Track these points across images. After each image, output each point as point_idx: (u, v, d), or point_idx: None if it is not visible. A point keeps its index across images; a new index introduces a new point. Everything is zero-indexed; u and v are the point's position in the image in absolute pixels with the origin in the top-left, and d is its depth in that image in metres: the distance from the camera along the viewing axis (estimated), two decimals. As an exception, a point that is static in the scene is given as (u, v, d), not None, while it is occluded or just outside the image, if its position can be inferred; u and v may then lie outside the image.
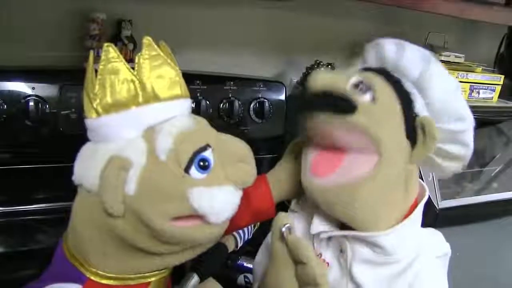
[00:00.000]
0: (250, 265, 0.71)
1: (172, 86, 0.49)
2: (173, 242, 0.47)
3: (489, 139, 1.30)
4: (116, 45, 0.93)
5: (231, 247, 0.74)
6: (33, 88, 0.82)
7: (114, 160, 0.44)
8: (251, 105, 1.06)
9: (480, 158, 1.27)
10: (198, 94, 0.99)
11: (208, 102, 0.99)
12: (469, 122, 0.53)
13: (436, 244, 0.55)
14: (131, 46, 0.95)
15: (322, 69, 0.52)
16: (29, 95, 0.81)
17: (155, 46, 0.49)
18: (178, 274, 0.68)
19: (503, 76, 1.25)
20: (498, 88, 1.24)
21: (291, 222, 0.52)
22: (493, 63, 1.45)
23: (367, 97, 0.50)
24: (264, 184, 0.63)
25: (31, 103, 0.81)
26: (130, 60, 0.96)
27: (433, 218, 0.96)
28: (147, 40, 0.48)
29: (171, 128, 0.46)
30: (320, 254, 0.57)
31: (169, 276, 0.56)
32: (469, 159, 0.55)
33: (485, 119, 1.20)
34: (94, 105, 0.46)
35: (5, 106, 0.79)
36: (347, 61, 1.32)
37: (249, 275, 0.71)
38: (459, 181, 1.18)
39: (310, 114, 0.50)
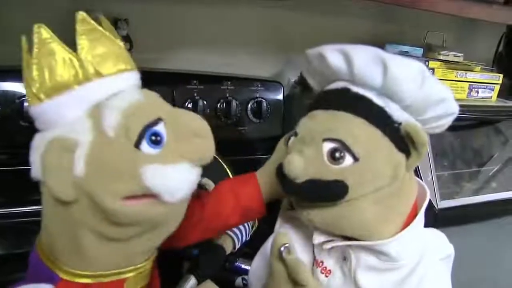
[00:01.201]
0: (248, 267, 0.71)
1: (115, 60, 0.45)
2: (129, 223, 0.44)
3: (488, 139, 1.30)
4: (112, 44, 0.93)
5: (228, 249, 0.73)
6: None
7: (54, 142, 0.41)
8: (249, 105, 1.06)
9: (478, 157, 1.26)
10: (195, 94, 0.98)
11: (205, 102, 0.99)
12: (449, 97, 0.50)
13: (439, 246, 0.55)
14: (127, 46, 0.94)
15: (293, 153, 0.49)
16: (24, 96, 0.80)
17: (90, 20, 0.45)
18: (175, 276, 0.67)
19: (502, 75, 1.24)
20: (497, 87, 1.24)
21: (290, 241, 0.51)
22: (492, 62, 1.45)
23: (348, 160, 0.47)
24: (253, 182, 0.62)
25: (26, 104, 0.80)
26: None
27: (433, 218, 0.96)
28: (80, 15, 0.45)
29: (118, 102, 0.44)
30: (322, 262, 0.56)
31: (151, 276, 0.54)
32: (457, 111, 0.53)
33: (484, 119, 1.20)
34: (34, 91, 0.43)
35: (0, 106, 0.78)
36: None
37: (247, 277, 0.70)
38: (458, 181, 1.17)
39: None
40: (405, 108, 0.49)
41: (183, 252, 0.71)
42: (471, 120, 1.16)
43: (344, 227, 0.51)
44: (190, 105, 0.97)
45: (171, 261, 0.63)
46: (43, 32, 0.43)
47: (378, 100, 0.49)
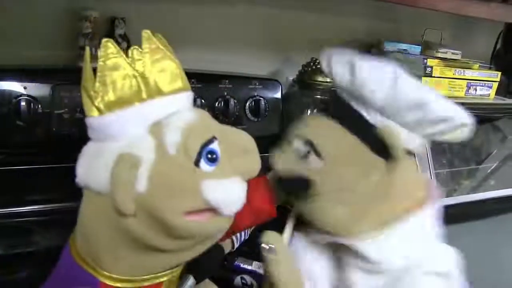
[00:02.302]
0: (246, 266, 0.71)
1: (174, 79, 0.48)
2: (187, 237, 0.47)
3: (486, 136, 1.30)
4: (109, 43, 0.93)
5: (227, 248, 0.73)
6: (25, 88, 0.80)
7: (124, 157, 0.43)
8: (247, 104, 1.05)
9: (476, 155, 1.26)
10: (193, 93, 0.98)
11: (203, 101, 0.98)
12: (431, 101, 0.50)
13: (439, 259, 0.54)
14: (124, 45, 0.93)
15: (277, 151, 0.58)
16: (21, 95, 0.79)
17: (154, 39, 0.48)
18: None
19: (500, 73, 1.24)
20: (495, 85, 1.24)
21: (276, 242, 0.55)
22: (490, 60, 1.45)
23: (314, 160, 0.52)
24: (264, 185, 0.64)
25: (23, 103, 0.79)
26: (124, 59, 0.95)
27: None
28: (146, 33, 0.47)
29: (178, 122, 0.46)
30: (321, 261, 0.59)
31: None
32: (466, 119, 0.52)
33: (482, 116, 1.20)
34: (96, 103, 0.45)
35: (-3, 106, 0.78)
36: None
37: (245, 276, 0.70)
38: (456, 178, 1.17)
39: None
40: (381, 111, 0.49)
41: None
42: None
43: (318, 223, 0.54)
44: (188, 104, 0.97)
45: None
46: (109, 46, 0.45)
47: (355, 104, 0.51)
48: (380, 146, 0.50)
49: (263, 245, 0.54)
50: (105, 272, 0.47)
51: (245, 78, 1.06)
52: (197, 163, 0.45)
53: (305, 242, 0.61)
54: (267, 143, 1.13)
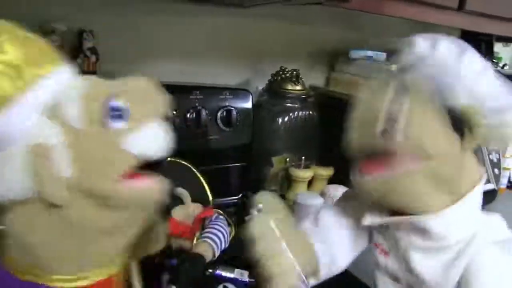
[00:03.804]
0: (228, 274, 0.70)
1: (47, 57, 0.45)
2: (129, 204, 0.45)
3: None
4: (78, 57, 0.92)
5: (208, 257, 0.73)
6: None
7: (36, 151, 0.41)
8: (218, 114, 1.05)
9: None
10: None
11: (175, 112, 0.98)
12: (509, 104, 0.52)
13: (494, 229, 0.55)
14: (94, 58, 0.93)
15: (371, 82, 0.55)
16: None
17: (8, 26, 0.43)
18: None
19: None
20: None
21: (265, 202, 0.58)
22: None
23: (406, 103, 0.51)
24: None
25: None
26: (93, 72, 0.94)
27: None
28: None
29: (70, 95, 0.44)
30: (380, 244, 0.61)
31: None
32: None
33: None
34: None
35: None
36: (312, 67, 1.35)
37: (228, 285, 0.70)
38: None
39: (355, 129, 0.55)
40: (470, 94, 0.51)
41: (161, 263, 0.70)
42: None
43: (395, 198, 0.53)
44: (160, 116, 0.96)
45: (149, 273, 0.62)
46: None
47: (444, 80, 0.52)
48: (459, 123, 0.51)
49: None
50: (51, 276, 0.46)
51: (216, 89, 1.07)
52: (107, 125, 0.43)
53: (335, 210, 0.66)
54: (239, 153, 1.15)
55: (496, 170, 1.32)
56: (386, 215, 0.57)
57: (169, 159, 0.82)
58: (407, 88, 0.51)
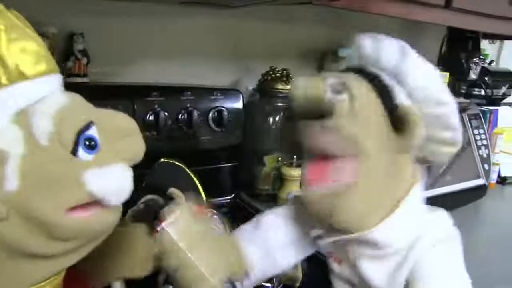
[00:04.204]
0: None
1: (38, 61, 0.41)
2: (71, 237, 0.41)
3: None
4: (69, 59, 0.92)
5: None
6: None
7: None
8: (210, 114, 1.06)
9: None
10: (156, 106, 0.98)
11: (166, 113, 0.99)
12: (451, 105, 0.54)
13: (436, 228, 0.55)
14: (84, 60, 0.93)
15: (302, 77, 0.53)
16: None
17: (10, 15, 0.41)
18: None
19: (448, 74, 1.31)
20: (445, 85, 1.30)
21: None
22: (436, 62, 1.53)
23: (345, 96, 0.51)
24: None
25: None
26: (84, 75, 0.93)
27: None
28: None
29: (47, 108, 0.40)
30: (332, 252, 0.62)
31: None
32: (461, 142, 0.57)
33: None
34: None
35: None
36: (302, 65, 1.36)
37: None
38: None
39: (293, 124, 0.53)
40: (409, 94, 0.53)
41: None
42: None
43: (338, 217, 0.52)
44: (151, 117, 0.97)
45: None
46: None
47: (386, 80, 0.53)
48: (396, 124, 0.52)
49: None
50: None
51: (207, 89, 1.08)
52: (74, 153, 0.40)
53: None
54: (231, 153, 1.15)
55: (486, 166, 1.34)
56: (332, 232, 0.57)
57: (162, 159, 0.83)
58: (348, 86, 0.51)
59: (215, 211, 0.88)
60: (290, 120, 0.54)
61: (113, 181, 0.41)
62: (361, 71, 0.54)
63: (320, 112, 0.50)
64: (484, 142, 1.36)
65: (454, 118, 0.55)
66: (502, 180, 1.47)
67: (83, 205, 0.40)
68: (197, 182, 0.92)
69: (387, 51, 0.54)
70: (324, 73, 0.55)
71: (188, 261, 0.55)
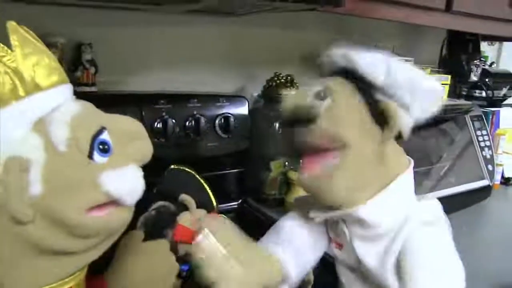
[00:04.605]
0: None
1: (51, 72, 0.44)
2: (91, 235, 0.44)
3: (436, 139, 1.36)
4: (77, 69, 0.93)
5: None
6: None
7: (13, 162, 0.40)
8: (216, 121, 1.07)
9: (431, 156, 1.31)
10: (164, 113, 0.99)
11: (174, 121, 1.00)
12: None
13: (423, 210, 0.59)
14: (92, 70, 0.94)
15: (293, 90, 0.61)
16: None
17: (22, 31, 0.43)
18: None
19: (449, 76, 1.33)
20: (447, 88, 1.31)
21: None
22: (437, 65, 1.54)
23: (328, 101, 0.56)
24: None
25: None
26: (92, 84, 0.95)
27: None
28: (12, 25, 0.43)
29: (63, 116, 0.43)
30: (333, 238, 0.66)
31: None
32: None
33: (437, 118, 1.26)
34: None
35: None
36: (305, 71, 1.37)
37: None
38: (418, 179, 1.22)
39: (288, 130, 0.59)
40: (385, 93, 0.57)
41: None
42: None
43: (323, 195, 0.58)
44: (159, 125, 0.98)
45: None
46: None
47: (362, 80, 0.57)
48: (377, 118, 0.57)
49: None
50: None
51: (213, 96, 1.09)
52: (90, 156, 0.43)
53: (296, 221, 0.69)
54: (237, 159, 1.16)
55: (489, 166, 1.35)
56: (327, 211, 0.61)
57: (172, 166, 0.83)
58: (330, 89, 0.57)
59: (225, 217, 0.89)
60: (285, 127, 0.61)
61: (127, 182, 0.45)
62: (345, 73, 0.59)
63: (308, 117, 0.56)
64: (487, 143, 1.37)
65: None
66: (505, 181, 1.48)
67: (100, 205, 0.43)
68: (207, 188, 0.93)
69: (367, 66, 0.57)
70: (312, 80, 0.61)
71: (228, 269, 0.58)
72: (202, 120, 1.03)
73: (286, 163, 1.14)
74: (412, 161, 0.62)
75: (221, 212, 0.96)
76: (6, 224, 0.41)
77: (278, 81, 1.14)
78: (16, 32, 0.43)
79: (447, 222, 0.59)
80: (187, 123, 1.02)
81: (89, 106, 0.48)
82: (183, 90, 1.11)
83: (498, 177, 1.43)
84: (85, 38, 0.95)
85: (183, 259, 0.76)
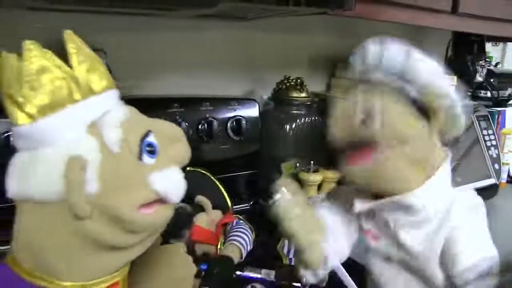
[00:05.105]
0: (255, 275, 0.73)
1: (102, 78, 0.47)
2: (142, 230, 0.47)
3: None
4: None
5: (236, 258, 0.76)
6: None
7: (74, 161, 0.42)
8: (228, 124, 1.09)
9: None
10: (177, 117, 1.01)
11: (187, 124, 1.01)
12: (452, 97, 0.61)
13: (465, 196, 0.62)
14: (108, 75, 0.95)
15: (338, 102, 0.64)
16: (9, 131, 0.80)
17: (77, 39, 0.46)
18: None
19: (456, 77, 1.34)
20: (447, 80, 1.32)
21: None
22: (443, 65, 1.55)
23: (378, 109, 0.58)
24: None
25: (12, 138, 0.80)
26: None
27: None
28: (68, 34, 0.46)
29: (114, 120, 0.46)
30: (369, 230, 0.67)
31: None
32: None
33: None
34: (27, 110, 0.42)
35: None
36: (313, 74, 1.39)
37: (256, 285, 0.73)
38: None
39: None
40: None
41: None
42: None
43: (378, 183, 0.60)
44: (173, 128, 0.99)
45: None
46: (33, 49, 0.43)
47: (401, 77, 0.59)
48: (424, 114, 0.59)
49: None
50: (64, 283, 0.46)
51: (225, 100, 1.11)
52: (140, 157, 0.46)
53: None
54: (249, 160, 1.18)
55: (496, 165, 1.37)
56: (373, 200, 0.63)
57: (188, 168, 0.85)
58: (374, 86, 0.59)
59: (240, 217, 0.91)
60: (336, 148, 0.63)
61: (172, 182, 0.48)
62: (377, 73, 0.61)
63: (355, 133, 0.59)
64: (493, 142, 1.39)
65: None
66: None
67: (149, 203, 0.46)
68: (222, 189, 0.95)
69: (393, 55, 0.60)
70: (352, 95, 0.61)
71: (298, 228, 0.61)
72: (215, 123, 1.05)
73: (297, 164, 1.16)
74: (450, 153, 0.64)
75: (234, 213, 0.98)
76: (67, 218, 0.44)
77: (288, 84, 1.16)
78: (72, 40, 0.46)
79: (483, 205, 0.63)
80: (200, 126, 1.04)
81: (134, 110, 0.51)
82: (194, 93, 1.12)
83: (504, 176, 1.45)
84: (98, 44, 0.96)
85: (201, 259, 0.78)
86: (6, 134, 0.81)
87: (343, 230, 0.69)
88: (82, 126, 0.45)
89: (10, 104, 0.43)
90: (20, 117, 0.43)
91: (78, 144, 0.44)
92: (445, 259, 0.58)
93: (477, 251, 0.57)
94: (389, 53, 0.60)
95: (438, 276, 0.60)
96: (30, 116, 0.43)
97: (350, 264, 0.76)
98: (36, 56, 0.43)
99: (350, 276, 0.63)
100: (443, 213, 0.60)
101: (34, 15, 0.92)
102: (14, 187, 0.45)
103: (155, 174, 0.46)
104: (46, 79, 0.43)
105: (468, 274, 0.56)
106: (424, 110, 0.59)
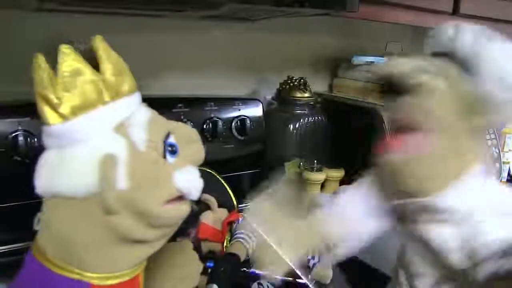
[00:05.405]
0: (262, 272, 0.74)
1: (127, 81, 0.50)
2: (166, 225, 0.50)
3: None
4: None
5: (242, 256, 0.77)
6: (20, 123, 0.83)
7: (108, 158, 0.44)
8: (233, 123, 1.10)
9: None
10: (182, 117, 1.02)
11: (192, 124, 1.02)
12: None
13: (502, 201, 0.58)
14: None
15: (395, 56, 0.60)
16: (17, 130, 0.82)
17: (105, 44, 0.49)
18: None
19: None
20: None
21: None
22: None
23: (428, 78, 0.56)
24: None
25: (20, 138, 0.82)
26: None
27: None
28: (99, 39, 0.49)
29: (141, 121, 0.49)
30: (396, 227, 0.66)
31: None
32: None
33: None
34: (61, 110, 0.45)
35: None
36: (316, 74, 1.40)
37: (262, 282, 0.74)
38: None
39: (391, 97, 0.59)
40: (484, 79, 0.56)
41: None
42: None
43: (413, 177, 0.57)
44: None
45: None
46: (68, 53, 0.45)
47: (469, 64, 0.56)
48: (472, 106, 0.56)
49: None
50: (91, 274, 0.48)
51: (229, 99, 1.12)
52: (164, 156, 0.49)
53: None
54: (253, 160, 1.19)
55: (496, 164, 1.38)
56: (404, 197, 0.60)
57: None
58: (435, 68, 0.56)
59: (245, 215, 0.92)
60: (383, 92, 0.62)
61: (194, 180, 0.51)
62: (449, 56, 0.57)
63: (406, 88, 0.56)
64: (494, 141, 1.39)
65: None
66: (512, 178, 1.51)
67: (172, 199, 0.49)
68: (228, 188, 0.96)
69: (467, 39, 0.57)
70: (416, 56, 0.59)
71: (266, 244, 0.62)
72: (219, 123, 1.07)
73: (301, 163, 1.17)
74: (487, 151, 0.62)
75: (239, 211, 0.99)
76: (97, 213, 0.46)
77: (291, 84, 1.18)
78: (102, 44, 0.48)
79: None
80: (204, 126, 1.06)
81: (155, 112, 0.53)
82: (199, 94, 1.13)
83: (505, 175, 1.45)
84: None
85: (207, 257, 0.79)
86: (14, 134, 0.82)
87: (365, 221, 0.67)
88: (110, 126, 0.47)
89: (43, 104, 0.46)
90: (53, 117, 0.46)
91: (108, 143, 0.46)
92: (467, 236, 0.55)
93: (504, 227, 0.54)
94: (464, 36, 0.57)
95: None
96: (63, 116, 0.45)
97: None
98: (70, 59, 0.45)
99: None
100: (473, 213, 0.56)
101: (40, 17, 0.94)
102: (42, 183, 0.47)
103: (178, 172, 0.49)
104: (80, 81, 0.45)
105: (493, 246, 0.53)
106: (478, 104, 0.55)
